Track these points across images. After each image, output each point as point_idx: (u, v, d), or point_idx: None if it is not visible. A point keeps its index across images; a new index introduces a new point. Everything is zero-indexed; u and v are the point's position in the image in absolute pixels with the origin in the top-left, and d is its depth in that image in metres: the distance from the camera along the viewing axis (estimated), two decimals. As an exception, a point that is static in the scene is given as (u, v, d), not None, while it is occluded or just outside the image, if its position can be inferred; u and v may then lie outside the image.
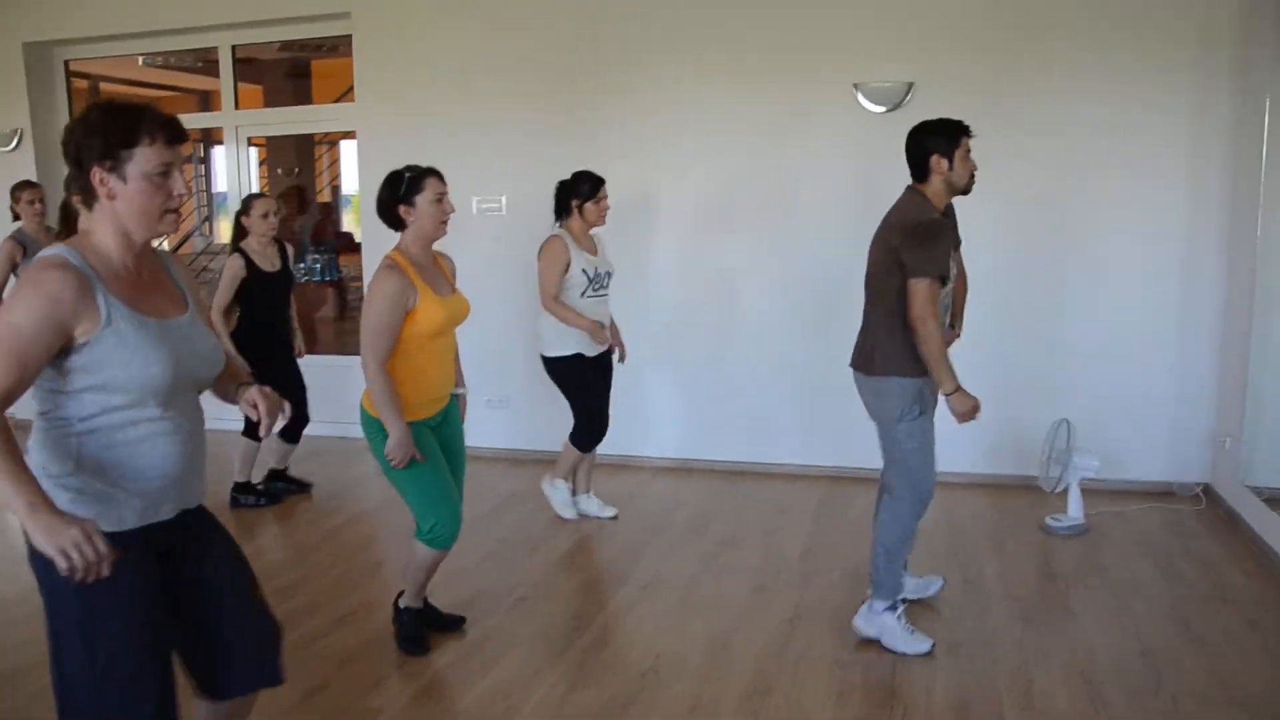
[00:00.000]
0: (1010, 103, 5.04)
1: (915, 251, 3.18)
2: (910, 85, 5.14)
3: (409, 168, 3.23)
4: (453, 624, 3.58)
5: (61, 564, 1.61)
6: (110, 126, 1.80)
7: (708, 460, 5.72)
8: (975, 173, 3.35)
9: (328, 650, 3.40)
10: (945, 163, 3.26)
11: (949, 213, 3.41)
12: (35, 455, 1.85)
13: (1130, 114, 4.92)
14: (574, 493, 4.87)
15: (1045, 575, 4.03)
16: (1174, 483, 5.08)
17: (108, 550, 1.64)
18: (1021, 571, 4.07)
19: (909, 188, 3.37)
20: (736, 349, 5.60)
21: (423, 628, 3.45)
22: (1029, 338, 5.19)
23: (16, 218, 5.61)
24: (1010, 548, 4.34)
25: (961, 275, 3.64)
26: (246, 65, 7.25)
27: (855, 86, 5.21)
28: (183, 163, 1.87)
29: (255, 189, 6.98)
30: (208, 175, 11.08)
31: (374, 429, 3.16)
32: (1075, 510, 4.54)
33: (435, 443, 3.25)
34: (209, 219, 10.53)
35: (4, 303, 1.78)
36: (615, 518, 4.85)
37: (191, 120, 9.99)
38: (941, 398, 3.26)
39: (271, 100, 9.25)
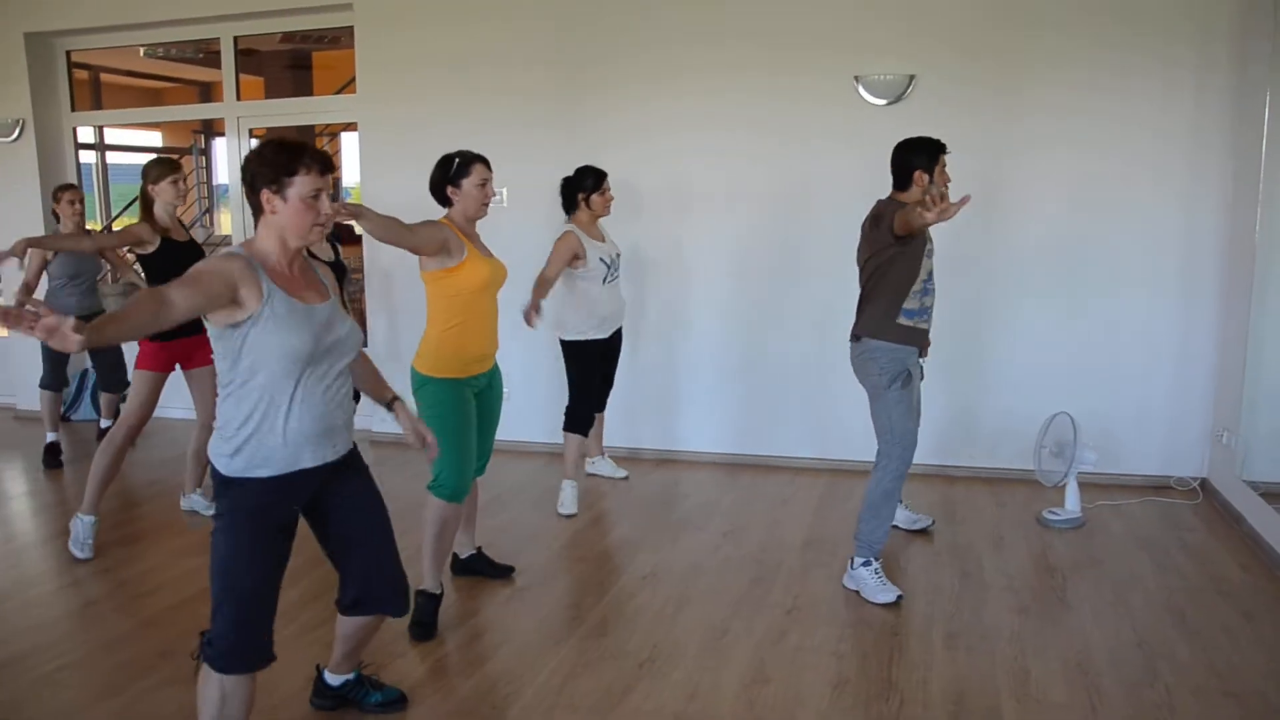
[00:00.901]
0: (1010, 96, 5.05)
1: (882, 219, 3.63)
2: (911, 78, 5.14)
3: (459, 153, 3.47)
4: (503, 573, 3.98)
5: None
6: (278, 158, 2.26)
7: (709, 452, 5.74)
8: (949, 185, 3.72)
9: (328, 638, 3.41)
10: (926, 176, 3.65)
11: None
12: (220, 413, 2.32)
13: (1130, 108, 4.92)
14: (588, 456, 5.36)
15: (1042, 568, 4.05)
16: (1171, 477, 5.10)
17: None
18: (1019, 564, 4.08)
19: (890, 196, 3.77)
20: (738, 341, 5.62)
21: (435, 614, 3.49)
22: (1026, 331, 5.20)
23: (57, 218, 5.84)
24: (1007, 541, 4.36)
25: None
26: (247, 57, 7.25)
27: (856, 79, 5.21)
28: (330, 188, 2.31)
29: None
30: (209, 167, 11.08)
31: (420, 382, 3.42)
32: (1072, 504, 4.56)
33: (472, 408, 3.46)
34: (210, 210, 10.52)
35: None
36: (627, 478, 5.32)
37: (193, 111, 10.02)
38: None
39: (272, 92, 9.25)
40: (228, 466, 2.30)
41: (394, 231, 3.18)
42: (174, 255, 4.34)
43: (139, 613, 3.67)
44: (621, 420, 5.51)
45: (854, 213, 4.13)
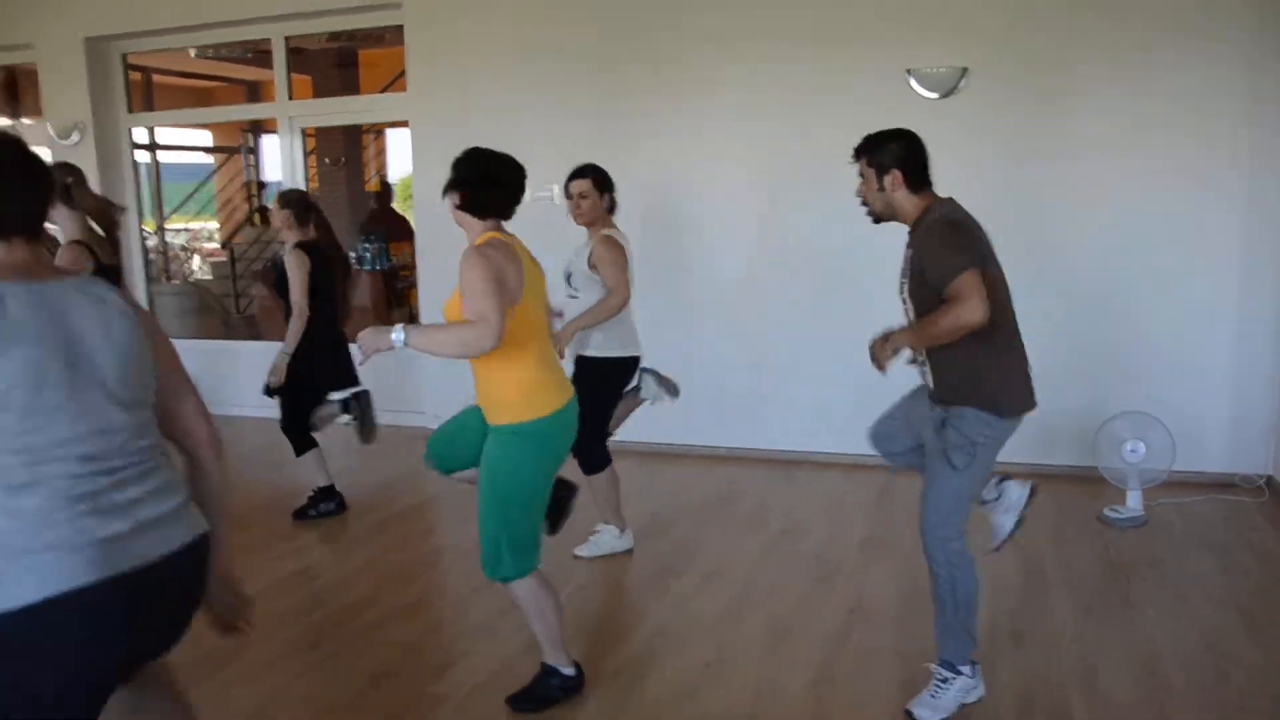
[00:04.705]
0: (1062, 88, 4.99)
1: None
2: (964, 71, 5.09)
3: None
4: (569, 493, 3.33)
5: None
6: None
7: (765, 450, 5.72)
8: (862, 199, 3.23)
9: (392, 637, 3.46)
10: None
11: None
12: None
13: (1186, 102, 4.84)
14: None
15: (1105, 566, 4.01)
16: (1236, 474, 5.01)
17: None
18: (1081, 563, 4.05)
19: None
20: (792, 336, 5.59)
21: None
22: (1087, 327, 5.13)
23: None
24: (1069, 538, 4.32)
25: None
26: (295, 55, 7.31)
27: (908, 72, 5.17)
28: None
29: (304, 179, 7.04)
30: (257, 164, 11.20)
31: None
32: (1134, 502, 4.50)
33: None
34: (261, 209, 10.62)
35: None
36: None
37: (247, 111, 10.15)
38: None
39: (320, 90, 9.34)
40: None
41: None
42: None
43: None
44: (678, 417, 5.49)
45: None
